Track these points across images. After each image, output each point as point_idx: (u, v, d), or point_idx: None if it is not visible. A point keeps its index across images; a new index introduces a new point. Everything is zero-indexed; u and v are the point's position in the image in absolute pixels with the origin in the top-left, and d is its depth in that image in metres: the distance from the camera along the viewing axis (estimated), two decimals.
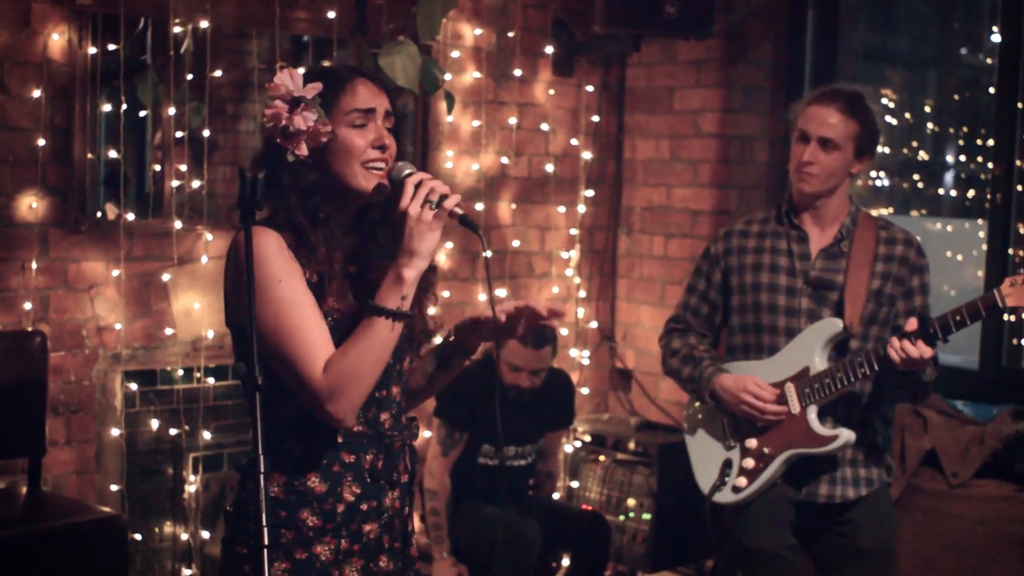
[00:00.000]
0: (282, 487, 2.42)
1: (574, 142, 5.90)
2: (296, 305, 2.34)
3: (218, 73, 4.85)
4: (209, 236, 4.80)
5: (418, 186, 2.36)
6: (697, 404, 3.78)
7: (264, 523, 2.10)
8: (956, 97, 7.60)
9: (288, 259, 2.37)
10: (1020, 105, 5.04)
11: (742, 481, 3.56)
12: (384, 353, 2.36)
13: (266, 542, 2.10)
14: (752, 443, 3.57)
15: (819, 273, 3.57)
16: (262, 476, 2.11)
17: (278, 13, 4.84)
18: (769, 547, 3.54)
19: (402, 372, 2.57)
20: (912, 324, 3.28)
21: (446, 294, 5.39)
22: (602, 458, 5.62)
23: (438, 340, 2.69)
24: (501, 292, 5.58)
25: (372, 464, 2.48)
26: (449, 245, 5.44)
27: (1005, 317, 4.95)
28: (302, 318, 2.34)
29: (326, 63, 4.97)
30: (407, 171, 2.41)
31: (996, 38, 6.20)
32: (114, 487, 4.64)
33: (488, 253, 2.48)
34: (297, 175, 2.40)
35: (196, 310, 4.80)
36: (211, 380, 4.84)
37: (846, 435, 3.46)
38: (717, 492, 3.60)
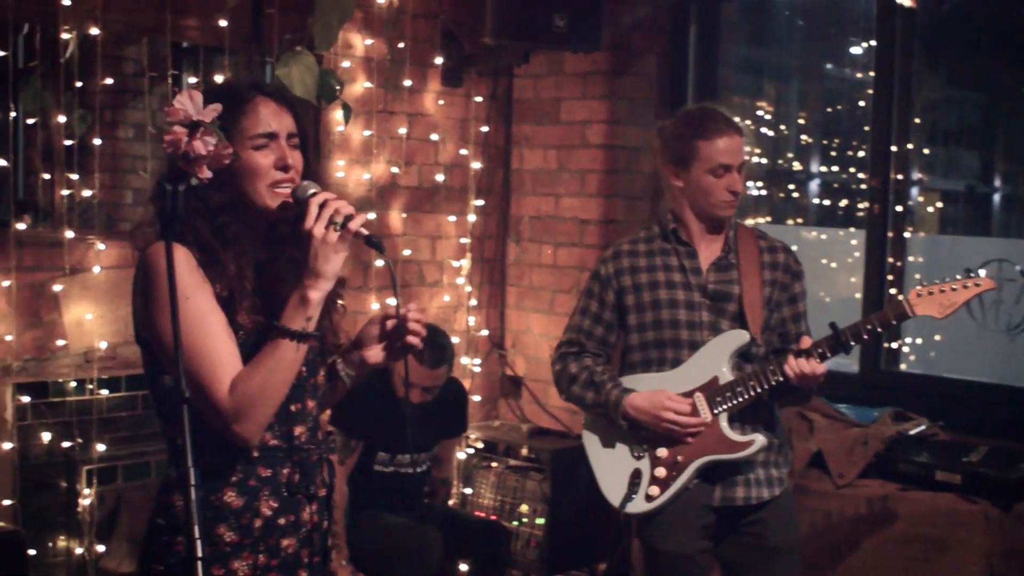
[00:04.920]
0: (199, 501, 2.40)
1: (463, 152, 5.95)
2: (203, 323, 2.33)
3: (109, 81, 4.78)
4: (101, 246, 4.73)
5: (322, 206, 2.36)
6: (597, 416, 3.79)
7: (197, 535, 2.08)
8: (828, 110, 7.82)
9: (198, 276, 2.36)
10: (894, 119, 5.23)
11: (655, 490, 3.60)
12: (289, 374, 2.37)
13: (199, 553, 2.09)
14: (663, 452, 3.62)
15: (716, 286, 3.67)
16: (193, 488, 2.10)
17: (169, 21, 4.80)
18: (680, 550, 3.61)
19: (316, 385, 2.58)
20: (806, 342, 3.44)
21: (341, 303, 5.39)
22: (495, 464, 5.68)
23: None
24: (393, 302, 5.58)
25: (288, 478, 2.49)
26: None
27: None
28: (208, 336, 2.33)
29: (220, 78, 4.94)
30: (311, 190, 2.40)
31: (857, 51, 6.42)
32: (7, 502, 4.53)
33: (380, 262, 2.49)
34: (203, 198, 2.39)
35: (88, 321, 4.72)
36: (104, 392, 4.75)
37: (760, 440, 3.57)
38: (628, 503, 3.60)
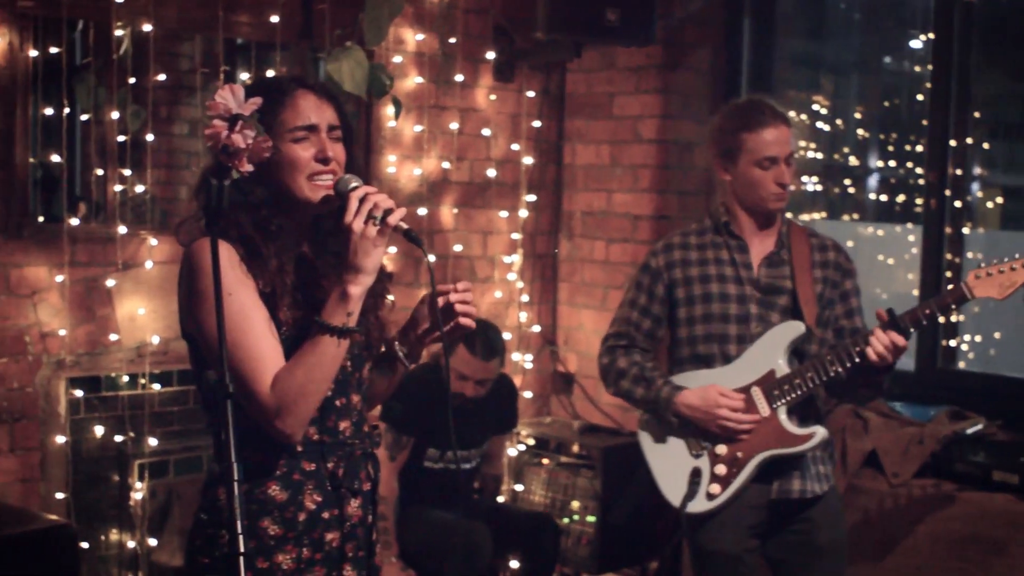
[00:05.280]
0: (242, 496, 2.40)
1: (515, 147, 5.93)
2: (245, 319, 2.34)
3: (162, 77, 4.81)
4: (153, 241, 4.76)
5: (362, 201, 2.35)
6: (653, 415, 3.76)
7: (239, 531, 2.08)
8: (885, 104, 7.73)
9: (239, 271, 2.37)
10: (952, 112, 5.15)
11: (716, 488, 3.56)
12: (331, 370, 2.36)
13: (242, 549, 2.09)
14: (722, 449, 3.57)
15: (768, 280, 3.63)
16: (236, 484, 2.10)
17: (221, 17, 4.81)
18: (728, 549, 3.57)
19: (361, 379, 2.57)
20: (882, 316, 3.39)
21: (390, 298, 5.37)
22: (546, 461, 5.65)
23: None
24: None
25: (333, 472, 2.48)
26: (393, 250, 5.43)
27: (940, 320, 5.06)
28: (250, 333, 2.33)
29: (269, 73, 4.95)
30: (353, 184, 2.40)
31: (918, 44, 6.33)
32: (59, 495, 4.58)
33: (431, 259, 2.47)
34: (244, 191, 2.40)
35: (140, 315, 4.75)
36: (156, 386, 4.79)
37: (821, 432, 3.53)
38: (689, 502, 3.56)
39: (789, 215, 3.77)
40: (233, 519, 2.08)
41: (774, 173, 3.56)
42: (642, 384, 3.66)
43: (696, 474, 3.59)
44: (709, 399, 3.54)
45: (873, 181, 7.58)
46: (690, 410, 3.56)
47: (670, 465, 3.68)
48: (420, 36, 5.49)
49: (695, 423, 3.59)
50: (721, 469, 3.57)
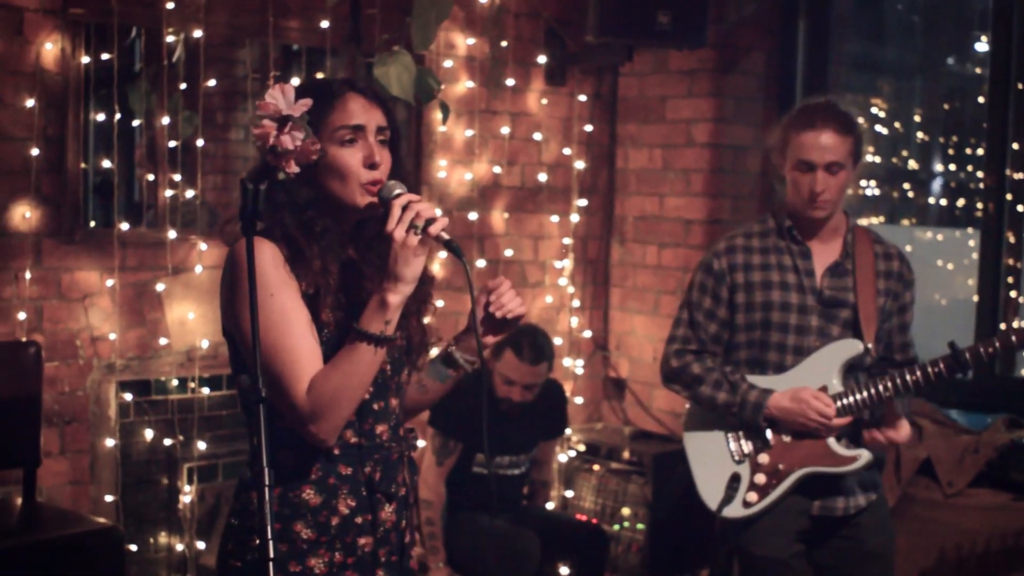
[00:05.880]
0: (276, 499, 2.39)
1: (567, 151, 5.90)
2: (285, 321, 2.32)
3: (212, 82, 4.84)
4: (203, 246, 4.79)
5: (405, 209, 2.32)
6: (699, 417, 3.71)
7: (269, 536, 2.07)
8: (946, 107, 7.62)
9: (283, 272, 2.35)
10: (1011, 115, 5.05)
11: (753, 496, 3.52)
12: (367, 376, 2.34)
13: (271, 554, 2.08)
14: (764, 459, 3.53)
15: (830, 292, 3.55)
16: (267, 489, 2.09)
17: (271, 22, 4.83)
18: (775, 555, 3.53)
19: (400, 384, 2.55)
20: (903, 429, 3.42)
21: (440, 304, 5.37)
22: (596, 467, 5.61)
23: (435, 351, 2.68)
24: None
25: (369, 476, 2.47)
26: (443, 255, 5.43)
27: (1002, 326, 4.97)
28: (289, 335, 2.32)
29: (319, 76, 4.97)
30: (396, 191, 2.37)
31: (982, 47, 6.23)
32: (109, 498, 4.62)
33: (462, 266, 2.45)
34: (290, 192, 2.38)
35: (190, 320, 4.78)
36: (206, 390, 4.81)
37: (866, 455, 3.47)
38: (725, 507, 3.52)
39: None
40: (264, 524, 2.07)
41: (809, 179, 3.45)
42: (724, 389, 3.57)
43: (735, 479, 3.55)
44: (801, 400, 3.47)
45: (934, 185, 7.48)
46: (782, 412, 3.49)
47: (711, 469, 3.64)
48: (470, 40, 5.48)
49: (782, 424, 3.53)
50: (761, 479, 3.52)
